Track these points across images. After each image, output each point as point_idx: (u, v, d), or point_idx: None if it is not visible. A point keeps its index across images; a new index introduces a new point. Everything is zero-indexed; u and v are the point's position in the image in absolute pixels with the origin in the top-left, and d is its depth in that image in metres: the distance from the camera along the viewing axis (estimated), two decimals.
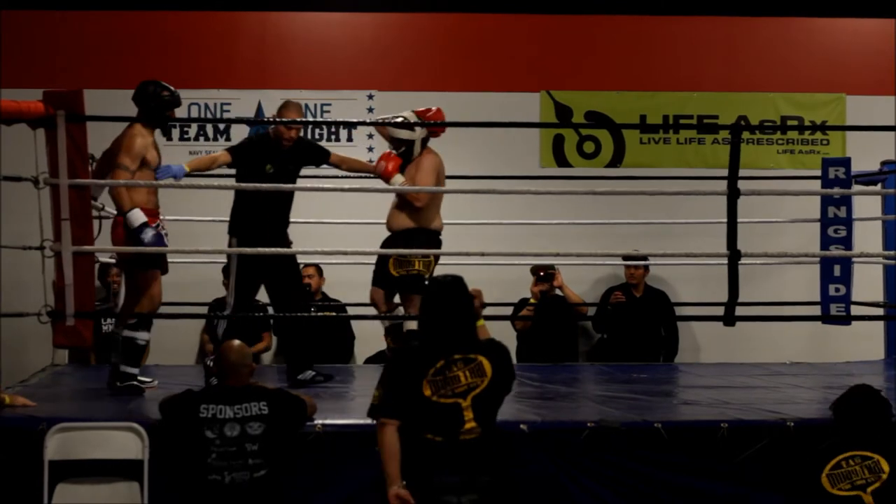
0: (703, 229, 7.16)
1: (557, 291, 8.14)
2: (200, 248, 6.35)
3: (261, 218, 6.11)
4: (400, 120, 6.17)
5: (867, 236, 7.73)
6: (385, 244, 6.23)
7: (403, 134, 6.12)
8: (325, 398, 5.33)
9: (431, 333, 4.01)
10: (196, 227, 7.32)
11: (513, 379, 4.12)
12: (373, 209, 6.89)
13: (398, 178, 6.08)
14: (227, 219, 6.26)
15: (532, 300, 7.98)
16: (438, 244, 6.15)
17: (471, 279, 4.16)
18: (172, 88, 5.85)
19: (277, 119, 6.09)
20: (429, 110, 6.20)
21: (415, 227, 6.09)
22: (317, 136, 8.78)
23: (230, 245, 6.14)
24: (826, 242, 6.70)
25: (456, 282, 4.08)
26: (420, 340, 4.09)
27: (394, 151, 6.20)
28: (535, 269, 8.09)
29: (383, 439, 3.90)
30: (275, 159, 6.14)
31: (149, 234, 5.50)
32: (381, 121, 6.34)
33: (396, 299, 6.33)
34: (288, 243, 6.29)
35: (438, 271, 5.74)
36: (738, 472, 4.83)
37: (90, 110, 5.11)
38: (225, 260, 6.78)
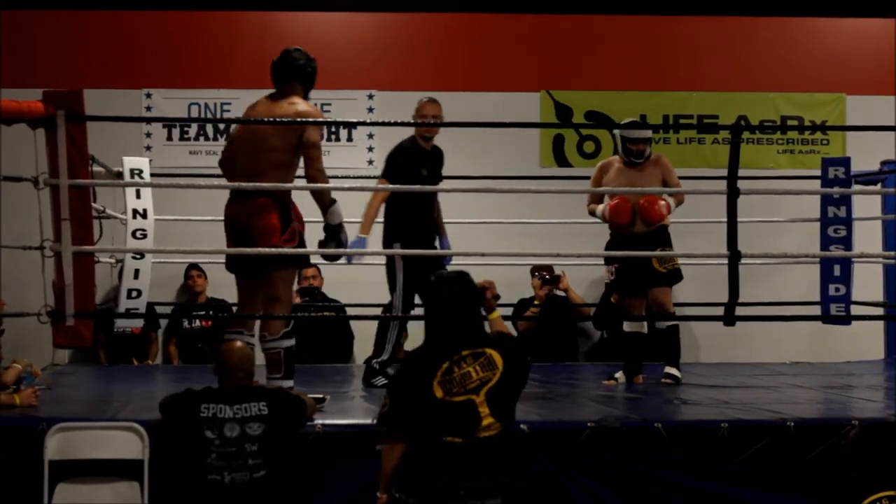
0: (703, 229, 7.15)
1: (558, 292, 8.15)
2: (201, 249, 6.36)
3: (419, 220, 6.07)
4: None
5: (867, 236, 7.72)
6: (634, 246, 6.29)
7: (650, 134, 6.42)
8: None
9: (438, 332, 3.90)
10: (198, 227, 7.32)
11: (527, 369, 4.00)
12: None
13: (672, 204, 6.31)
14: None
15: (536, 301, 7.98)
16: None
17: None
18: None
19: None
20: None
21: (662, 225, 6.35)
22: None
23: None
24: (826, 242, 6.70)
25: (460, 277, 3.98)
26: (426, 340, 3.95)
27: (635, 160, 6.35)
28: (536, 270, 8.09)
29: (386, 452, 3.88)
30: (426, 163, 6.10)
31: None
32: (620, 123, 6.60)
33: None
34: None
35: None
36: (738, 472, 4.83)
37: (90, 110, 5.09)
38: (221, 260, 6.74)
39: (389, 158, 6.14)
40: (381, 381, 5.96)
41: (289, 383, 5.14)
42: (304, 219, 5.34)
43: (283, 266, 5.18)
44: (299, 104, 5.22)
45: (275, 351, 5.16)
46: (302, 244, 5.23)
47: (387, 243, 6.05)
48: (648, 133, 6.39)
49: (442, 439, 3.73)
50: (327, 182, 5.22)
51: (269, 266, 5.15)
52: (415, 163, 6.04)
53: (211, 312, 8.01)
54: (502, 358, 3.82)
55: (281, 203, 5.14)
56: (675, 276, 6.39)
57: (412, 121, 6.07)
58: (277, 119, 5.13)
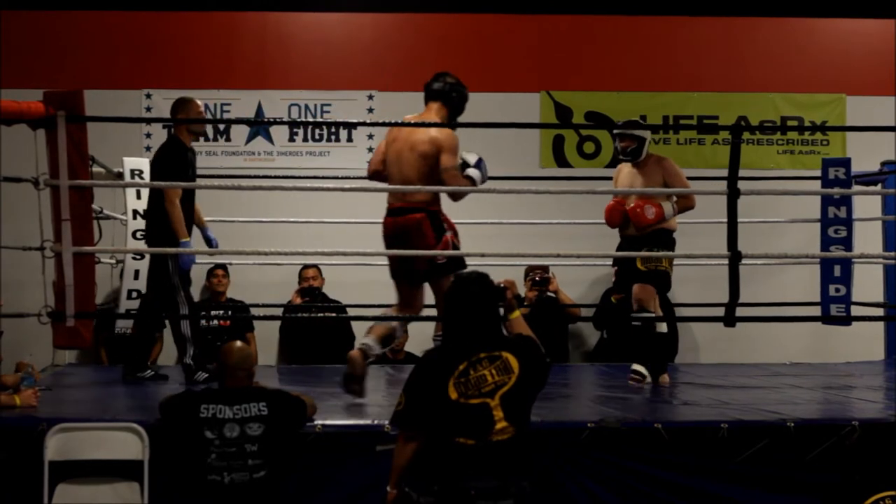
0: (703, 229, 7.15)
1: (550, 294, 8.15)
2: (201, 249, 6.35)
3: (188, 220, 6.18)
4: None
5: (867, 236, 7.73)
6: (627, 247, 6.36)
7: (643, 133, 6.36)
8: (325, 398, 5.33)
9: (456, 332, 3.91)
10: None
11: (546, 370, 4.00)
12: (366, 209, 6.89)
13: (668, 208, 6.25)
14: (229, 219, 6.22)
15: (526, 302, 7.99)
16: (674, 244, 6.41)
17: None
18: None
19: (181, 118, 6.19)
20: None
21: (661, 228, 6.30)
22: (317, 136, 8.77)
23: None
24: (826, 243, 6.70)
25: (479, 279, 3.97)
26: (444, 341, 3.97)
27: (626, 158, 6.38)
28: (530, 270, 8.10)
29: (398, 449, 3.90)
30: (194, 161, 6.25)
31: None
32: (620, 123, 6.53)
33: None
34: None
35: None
36: (738, 472, 4.83)
37: (90, 110, 5.10)
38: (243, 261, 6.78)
39: (162, 160, 6.24)
40: (202, 375, 6.10)
41: (378, 350, 5.49)
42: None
43: (443, 274, 5.36)
44: (432, 129, 5.61)
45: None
46: (456, 250, 5.50)
47: (155, 246, 6.13)
48: (633, 130, 6.34)
49: (454, 440, 3.73)
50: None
51: (430, 276, 5.45)
52: (187, 161, 6.18)
53: (229, 312, 8.01)
54: (518, 362, 3.83)
55: (432, 216, 5.46)
56: (657, 276, 6.29)
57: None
58: (272, 120, 5.17)
